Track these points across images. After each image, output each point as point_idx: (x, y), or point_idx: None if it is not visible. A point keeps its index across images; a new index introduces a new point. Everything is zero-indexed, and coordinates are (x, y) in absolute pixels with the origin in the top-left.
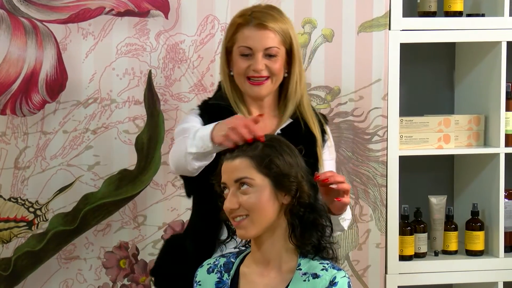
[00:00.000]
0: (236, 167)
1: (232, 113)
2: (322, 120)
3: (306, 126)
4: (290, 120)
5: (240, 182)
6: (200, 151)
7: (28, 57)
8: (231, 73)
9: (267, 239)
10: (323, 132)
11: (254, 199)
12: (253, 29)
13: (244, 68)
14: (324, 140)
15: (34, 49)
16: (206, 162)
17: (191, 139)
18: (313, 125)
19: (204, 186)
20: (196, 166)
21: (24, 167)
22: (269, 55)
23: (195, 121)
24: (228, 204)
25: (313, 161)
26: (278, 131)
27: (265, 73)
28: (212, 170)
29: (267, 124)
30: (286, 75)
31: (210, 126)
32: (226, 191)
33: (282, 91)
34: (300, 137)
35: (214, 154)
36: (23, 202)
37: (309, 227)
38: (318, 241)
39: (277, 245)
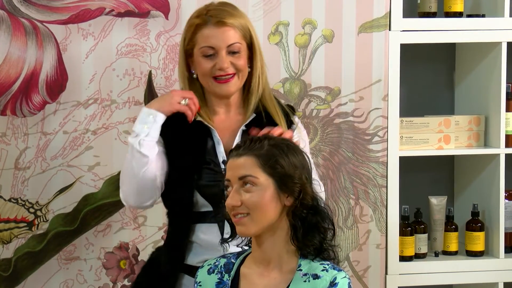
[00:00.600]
0: (241, 165)
1: (194, 119)
2: (289, 111)
3: (269, 118)
4: (254, 115)
5: (244, 180)
6: (145, 131)
7: (28, 58)
8: (194, 75)
9: (267, 239)
10: (291, 122)
11: (257, 197)
12: (212, 28)
13: (209, 69)
14: (292, 130)
15: (34, 50)
16: (154, 150)
17: (130, 137)
18: (277, 116)
19: (175, 199)
20: (148, 156)
21: (25, 168)
22: (232, 51)
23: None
24: (230, 201)
25: None
26: (243, 127)
27: (231, 70)
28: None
29: (234, 121)
30: (249, 70)
31: (142, 112)
32: (229, 189)
33: (245, 87)
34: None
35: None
36: (23, 203)
37: (311, 229)
38: (320, 244)
39: (278, 246)
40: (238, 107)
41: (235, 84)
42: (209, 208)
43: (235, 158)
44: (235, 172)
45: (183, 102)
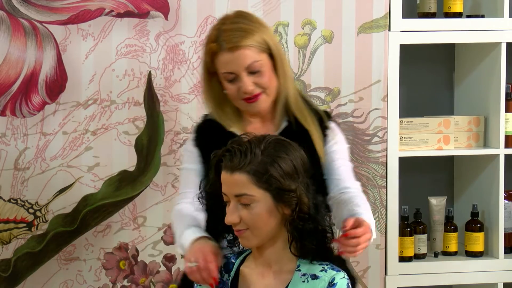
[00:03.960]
0: (235, 182)
1: (225, 132)
2: (323, 115)
3: (298, 124)
4: (286, 123)
5: (240, 198)
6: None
7: (28, 58)
8: (225, 91)
9: (267, 245)
10: (325, 128)
11: (255, 214)
12: (227, 54)
13: (235, 92)
14: (325, 135)
15: (34, 50)
16: None
17: (177, 239)
18: (306, 122)
19: (209, 211)
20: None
21: (24, 168)
22: (252, 72)
23: (191, 161)
24: (230, 218)
25: (312, 157)
26: None
27: (256, 90)
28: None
29: (267, 130)
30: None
31: (188, 240)
32: (226, 199)
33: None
34: (294, 136)
35: None
36: (23, 203)
37: (309, 236)
38: (317, 247)
39: (278, 251)
40: (272, 116)
41: (264, 101)
42: None
43: (228, 173)
44: (231, 189)
45: (189, 264)
